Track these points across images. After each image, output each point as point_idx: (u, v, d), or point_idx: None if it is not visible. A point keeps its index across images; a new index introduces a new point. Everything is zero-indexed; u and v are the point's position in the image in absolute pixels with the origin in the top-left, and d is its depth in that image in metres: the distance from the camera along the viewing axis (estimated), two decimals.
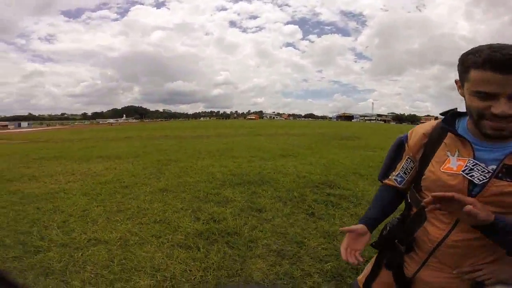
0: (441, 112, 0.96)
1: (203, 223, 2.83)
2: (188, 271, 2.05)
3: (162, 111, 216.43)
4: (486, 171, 0.79)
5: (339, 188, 4.16)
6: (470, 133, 0.84)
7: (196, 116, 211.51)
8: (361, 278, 1.17)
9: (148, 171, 5.52)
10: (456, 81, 0.86)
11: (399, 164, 1.04)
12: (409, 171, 1.00)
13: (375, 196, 1.11)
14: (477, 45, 0.77)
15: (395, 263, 1.02)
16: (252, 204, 3.39)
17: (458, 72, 0.82)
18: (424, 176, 0.92)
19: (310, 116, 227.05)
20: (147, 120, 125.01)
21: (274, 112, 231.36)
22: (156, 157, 7.41)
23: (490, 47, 0.73)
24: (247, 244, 2.43)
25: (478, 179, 0.79)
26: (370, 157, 7.70)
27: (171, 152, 8.53)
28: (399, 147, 1.05)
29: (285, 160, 6.68)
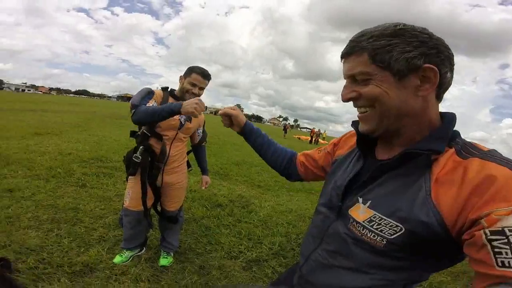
0: None
1: None
2: None
3: None
4: (183, 117, 1.59)
5: (110, 162, 4.28)
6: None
7: None
8: (128, 203, 1.61)
9: None
10: (180, 77, 1.57)
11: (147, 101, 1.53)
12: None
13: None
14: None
15: (155, 177, 1.59)
16: None
17: (185, 73, 1.55)
18: None
19: (84, 93, 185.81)
20: None
21: (25, 83, 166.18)
22: None
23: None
24: (5, 220, 2.09)
25: (182, 122, 1.59)
26: None
27: None
28: (149, 93, 1.55)
29: (41, 138, 5.47)
